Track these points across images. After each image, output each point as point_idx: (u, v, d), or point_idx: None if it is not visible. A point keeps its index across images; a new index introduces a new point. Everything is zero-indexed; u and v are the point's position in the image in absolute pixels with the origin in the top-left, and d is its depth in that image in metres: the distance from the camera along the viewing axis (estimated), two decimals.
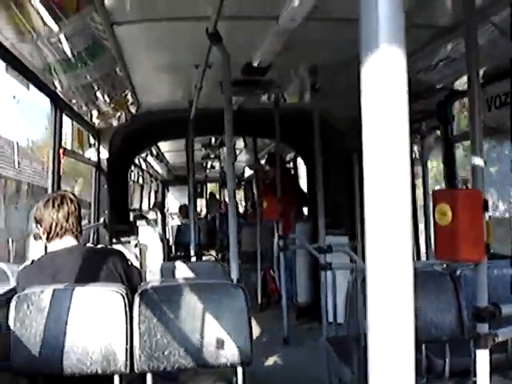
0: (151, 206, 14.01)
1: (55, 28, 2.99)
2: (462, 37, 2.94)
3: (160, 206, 13.90)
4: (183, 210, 14.36)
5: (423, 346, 3.16)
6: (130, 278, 3.17)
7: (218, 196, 16.86)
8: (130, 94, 5.01)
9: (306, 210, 7.92)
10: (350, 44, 3.80)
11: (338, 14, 3.32)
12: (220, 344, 2.87)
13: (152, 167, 12.49)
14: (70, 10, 2.78)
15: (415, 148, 5.23)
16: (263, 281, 7.52)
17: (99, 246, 3.40)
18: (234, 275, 3.05)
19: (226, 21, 3.00)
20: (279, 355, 5.35)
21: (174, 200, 17.81)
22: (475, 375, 2.48)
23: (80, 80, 4.25)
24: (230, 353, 2.86)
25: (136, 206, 11.96)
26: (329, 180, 5.02)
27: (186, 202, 16.17)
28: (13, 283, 3.33)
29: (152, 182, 14.72)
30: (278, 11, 3.06)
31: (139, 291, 2.91)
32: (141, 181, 12.85)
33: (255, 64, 4.09)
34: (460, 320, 3.20)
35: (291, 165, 9.88)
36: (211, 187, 18.53)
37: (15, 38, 3.08)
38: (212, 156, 11.82)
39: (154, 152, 10.38)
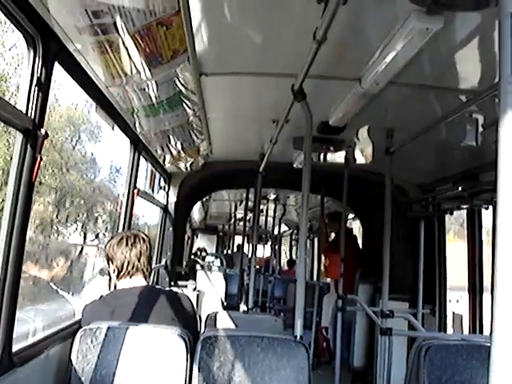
0: (194, 252, 14.02)
1: (147, 74, 3.12)
2: None
3: (203, 248, 13.80)
4: (229, 260, 14.30)
5: None
6: (194, 325, 3.18)
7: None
8: (204, 143, 5.14)
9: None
10: (427, 110, 3.84)
11: (419, 80, 3.35)
12: None
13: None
14: (164, 58, 2.89)
15: None
16: (315, 340, 7.41)
17: (167, 289, 3.43)
18: (298, 332, 3.02)
19: (310, 79, 3.06)
20: None
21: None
22: None
23: (160, 125, 4.40)
24: None
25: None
26: (392, 244, 4.96)
27: (213, 251, 16.19)
28: (77, 316, 3.38)
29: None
30: (362, 73, 3.11)
31: (202, 338, 2.92)
32: None
33: (331, 123, 4.14)
34: None
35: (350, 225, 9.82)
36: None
37: (107, 81, 3.23)
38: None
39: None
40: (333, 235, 7.82)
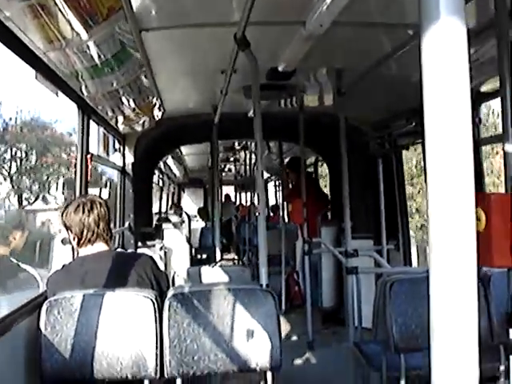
0: (170, 208, 14.03)
1: (84, 35, 3.02)
2: (492, 38, 2.92)
3: (179, 208, 13.88)
4: (203, 213, 14.38)
5: None
6: (160, 284, 3.18)
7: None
8: (155, 100, 5.05)
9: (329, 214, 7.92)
10: (374, 47, 3.82)
11: (364, 18, 3.32)
12: (250, 349, 2.87)
13: (170, 169, 12.51)
14: (99, 16, 2.80)
15: None
16: (286, 284, 7.52)
17: (129, 251, 3.41)
18: (264, 280, 3.05)
19: (253, 26, 3.01)
20: (304, 359, 5.34)
21: (189, 202, 17.84)
22: (509, 381, 2.46)
23: (107, 86, 4.29)
24: (260, 357, 2.87)
25: (155, 208, 12.00)
26: (353, 184, 5.00)
27: (201, 204, 16.33)
28: (42, 288, 3.35)
29: (170, 184, 14.72)
30: (305, 16, 3.05)
31: (169, 296, 2.93)
32: (160, 183, 12.89)
33: (280, 68, 4.09)
34: (490, 325, 3.18)
35: (312, 169, 9.86)
36: (226, 190, 18.50)
37: (45, 46, 3.12)
38: (231, 159, 11.80)
39: (175, 155, 10.40)
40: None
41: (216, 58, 3.99)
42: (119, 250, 4.60)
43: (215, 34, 3.43)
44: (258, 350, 2.88)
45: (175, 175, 13.91)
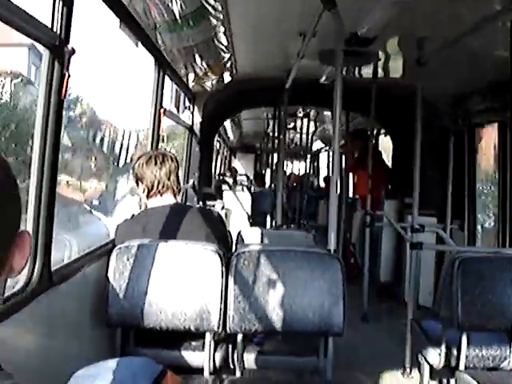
0: (225, 171, 14.02)
1: None
2: None
3: (235, 171, 13.84)
4: (258, 179, 14.36)
5: None
6: (226, 241, 3.21)
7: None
8: (228, 60, 5.03)
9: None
10: (459, 19, 3.68)
11: None
12: (312, 312, 2.87)
13: (226, 133, 12.46)
14: None
15: None
16: (343, 256, 7.48)
17: (197, 206, 3.45)
18: (332, 246, 3.03)
19: None
20: (358, 331, 5.32)
21: (240, 167, 17.75)
22: None
23: (183, 42, 4.30)
24: (323, 322, 2.86)
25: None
26: (421, 160, 4.89)
27: (251, 170, 16.19)
28: (112, 235, 3.42)
29: (224, 147, 14.69)
30: None
31: (236, 253, 2.94)
32: (217, 146, 12.87)
33: (360, 34, 4.00)
34: None
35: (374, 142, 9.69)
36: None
37: None
38: (290, 126, 11.65)
39: (235, 118, 10.33)
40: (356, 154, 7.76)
41: (297, 19, 3.92)
42: (188, 204, 4.66)
43: None
44: (320, 315, 2.87)
45: (229, 138, 13.85)
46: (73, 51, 2.23)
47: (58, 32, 2.17)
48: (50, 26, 2.14)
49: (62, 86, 2.20)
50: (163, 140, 5.35)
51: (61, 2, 2.17)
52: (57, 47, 2.17)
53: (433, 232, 5.07)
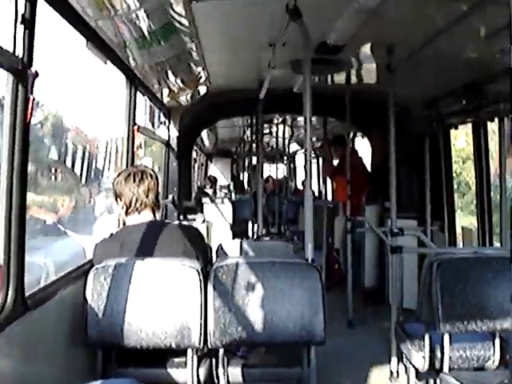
0: (205, 184, 13.88)
1: (135, 4, 3.02)
2: None
3: (214, 179, 13.73)
4: (238, 185, 14.25)
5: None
6: (205, 256, 3.20)
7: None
8: (201, 73, 5.03)
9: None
10: (428, 23, 3.71)
11: None
12: (293, 323, 2.87)
13: (202, 140, 12.33)
14: None
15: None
16: (326, 261, 7.46)
17: (175, 223, 3.44)
18: (309, 255, 3.04)
19: None
20: (344, 337, 5.32)
21: (216, 172, 17.57)
22: None
23: (154, 58, 4.30)
24: (304, 332, 2.86)
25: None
26: (397, 163, 4.91)
27: (229, 175, 16.10)
28: (88, 256, 3.39)
29: (200, 154, 14.60)
30: None
31: (214, 267, 2.93)
32: (194, 154, 12.71)
33: (329, 42, 4.02)
34: None
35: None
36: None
37: (95, 14, 3.12)
38: (267, 132, 11.66)
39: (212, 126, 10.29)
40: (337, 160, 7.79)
41: (265, 30, 3.93)
42: (166, 220, 4.64)
43: (266, 5, 3.38)
44: (301, 325, 2.87)
45: (205, 145, 13.81)
46: (36, 74, 2.22)
47: (21, 56, 2.16)
48: (12, 51, 2.13)
49: (27, 109, 2.18)
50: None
51: (22, 26, 2.16)
52: (20, 71, 2.16)
53: (414, 235, 5.09)
